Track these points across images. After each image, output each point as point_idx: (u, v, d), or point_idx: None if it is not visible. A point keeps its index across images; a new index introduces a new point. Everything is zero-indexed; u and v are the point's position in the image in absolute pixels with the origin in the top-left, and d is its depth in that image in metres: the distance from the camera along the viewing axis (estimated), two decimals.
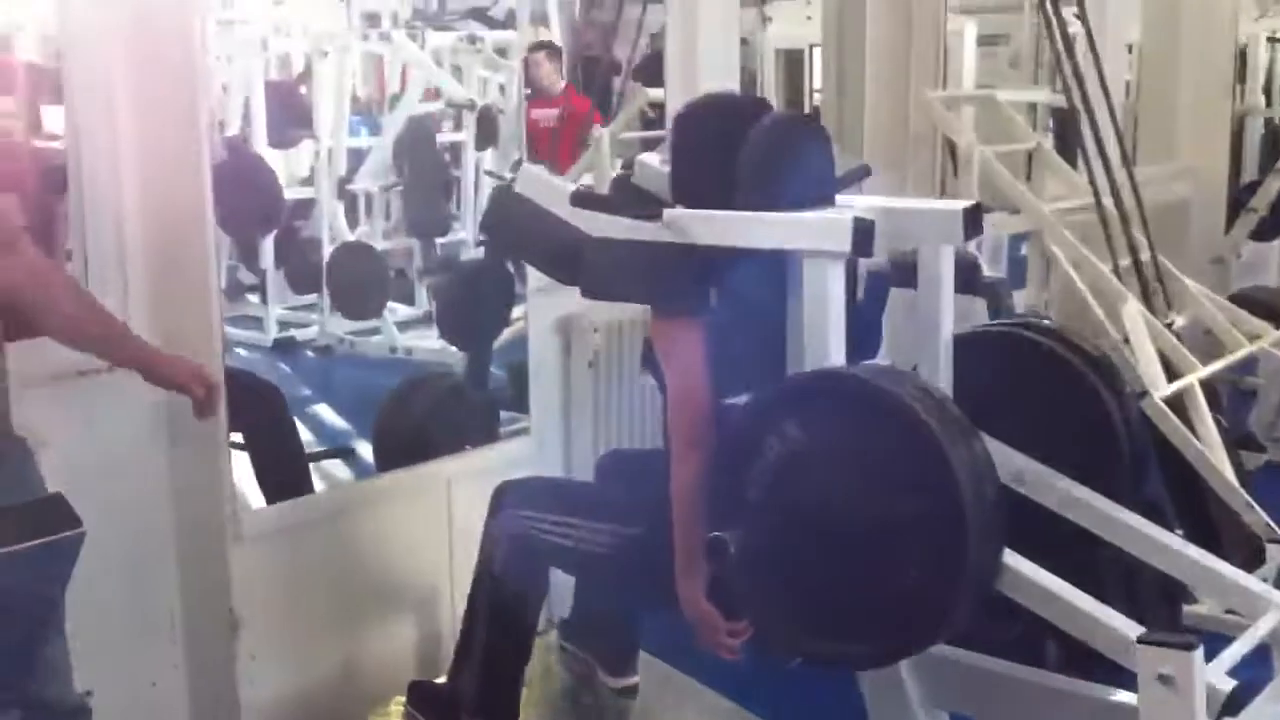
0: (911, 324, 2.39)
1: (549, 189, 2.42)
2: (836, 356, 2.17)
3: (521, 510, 2.53)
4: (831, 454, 1.99)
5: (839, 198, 2.35)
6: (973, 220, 2.27)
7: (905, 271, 2.38)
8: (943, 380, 2.31)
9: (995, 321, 2.72)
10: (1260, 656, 2.14)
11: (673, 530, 2.24)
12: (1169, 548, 2.32)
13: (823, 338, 2.16)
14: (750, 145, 2.20)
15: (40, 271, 2.32)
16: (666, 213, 2.20)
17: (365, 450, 4.30)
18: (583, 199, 2.32)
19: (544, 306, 3.63)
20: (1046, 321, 2.51)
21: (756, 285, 2.23)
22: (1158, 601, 3.31)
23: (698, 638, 2.28)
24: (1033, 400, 2.37)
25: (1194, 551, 2.33)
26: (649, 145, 5.47)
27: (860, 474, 1.96)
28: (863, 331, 3.83)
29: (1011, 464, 2.29)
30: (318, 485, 3.48)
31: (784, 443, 2.00)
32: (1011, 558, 2.06)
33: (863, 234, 2.09)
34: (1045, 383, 2.37)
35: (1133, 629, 1.98)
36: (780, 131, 2.25)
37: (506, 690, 2.67)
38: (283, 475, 3.37)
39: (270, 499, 3.17)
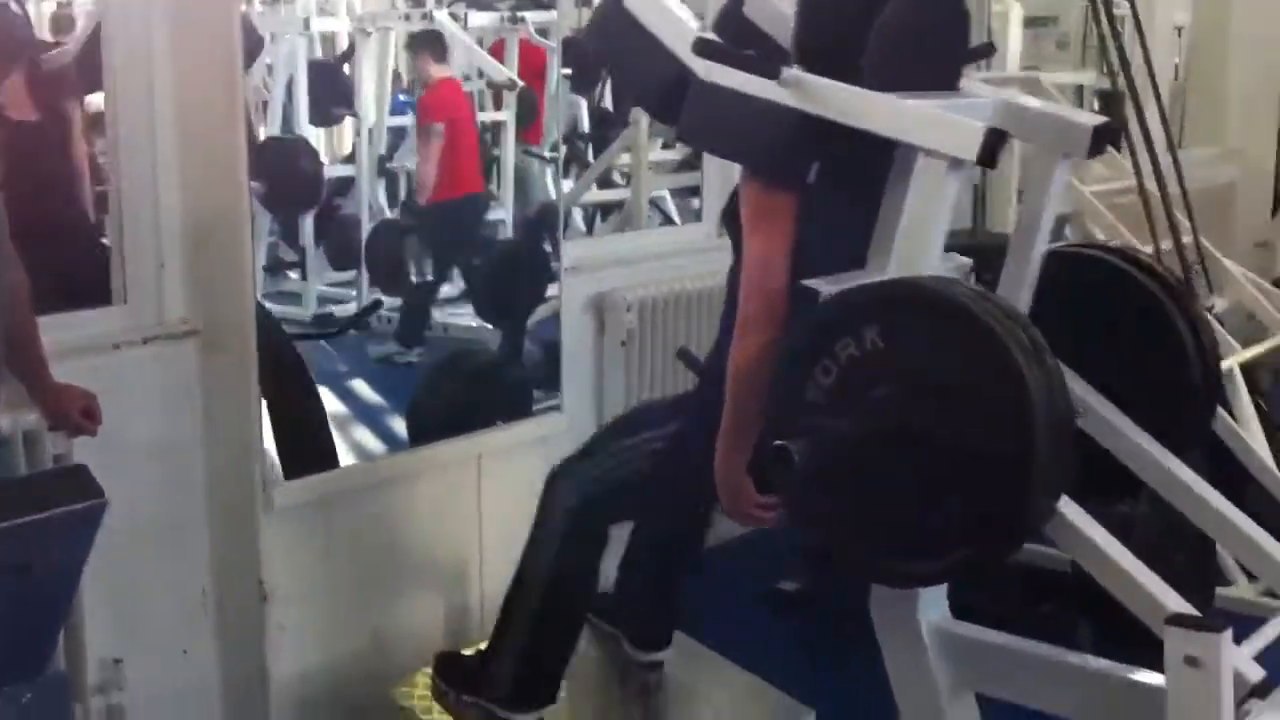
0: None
1: (668, 20, 2.17)
2: (930, 263, 2.05)
3: (573, 472, 2.52)
4: (909, 370, 1.88)
5: (964, 83, 2.24)
6: (1100, 139, 2.15)
7: None
8: (1024, 299, 2.20)
9: (1062, 244, 2.54)
10: None
11: (712, 411, 2.18)
12: (1216, 509, 2.24)
13: (920, 243, 2.03)
14: (891, 15, 2.06)
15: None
16: (787, 73, 2.03)
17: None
18: (708, 49, 2.07)
19: (578, 284, 3.65)
20: (1115, 243, 2.38)
21: (861, 168, 2.09)
22: (1191, 582, 3.28)
23: (725, 507, 2.22)
24: (1103, 322, 2.27)
25: (1238, 517, 2.25)
26: None
27: (934, 391, 1.86)
28: None
29: (1075, 393, 2.12)
30: (347, 459, 3.48)
31: (859, 346, 1.90)
32: (1064, 504, 1.99)
33: (992, 144, 1.95)
34: (1117, 305, 2.27)
35: (1176, 602, 1.94)
36: (925, 6, 2.12)
37: (550, 672, 2.66)
38: (306, 446, 3.36)
39: (292, 471, 3.14)
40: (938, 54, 2.17)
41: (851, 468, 1.92)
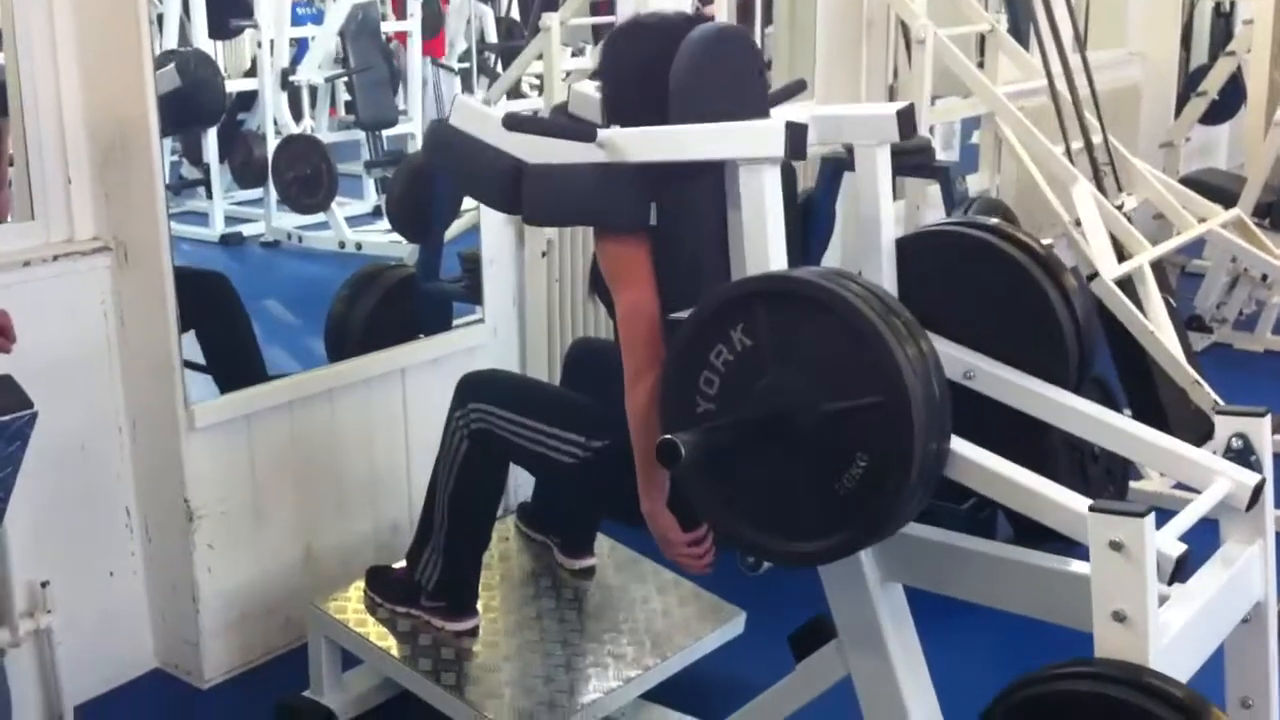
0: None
1: (481, 118, 2.37)
2: (777, 261, 2.18)
3: (488, 406, 2.52)
4: (780, 357, 1.99)
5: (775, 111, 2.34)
6: (906, 121, 2.28)
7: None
8: (886, 280, 2.33)
9: (939, 222, 2.72)
10: (1206, 527, 2.18)
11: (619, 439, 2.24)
12: (1116, 427, 2.34)
13: (763, 244, 2.16)
14: (679, 59, 2.19)
15: None
16: (600, 133, 2.19)
17: None
18: (516, 121, 2.27)
19: None
20: (992, 220, 2.48)
21: (698, 199, 2.23)
22: (1106, 481, 3.38)
23: (664, 551, 2.29)
24: (979, 297, 2.36)
25: (1141, 430, 2.34)
26: (599, 32, 5.41)
27: (809, 375, 1.96)
28: (816, 220, 3.84)
29: (961, 361, 2.30)
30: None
31: (731, 349, 2.01)
32: (959, 444, 2.07)
33: (796, 137, 2.10)
34: (990, 280, 2.35)
35: (1082, 503, 2.00)
36: (707, 43, 2.23)
37: (466, 575, 2.70)
38: (238, 366, 3.33)
39: (225, 390, 3.13)
40: (732, 88, 2.27)
41: (736, 456, 2.02)
